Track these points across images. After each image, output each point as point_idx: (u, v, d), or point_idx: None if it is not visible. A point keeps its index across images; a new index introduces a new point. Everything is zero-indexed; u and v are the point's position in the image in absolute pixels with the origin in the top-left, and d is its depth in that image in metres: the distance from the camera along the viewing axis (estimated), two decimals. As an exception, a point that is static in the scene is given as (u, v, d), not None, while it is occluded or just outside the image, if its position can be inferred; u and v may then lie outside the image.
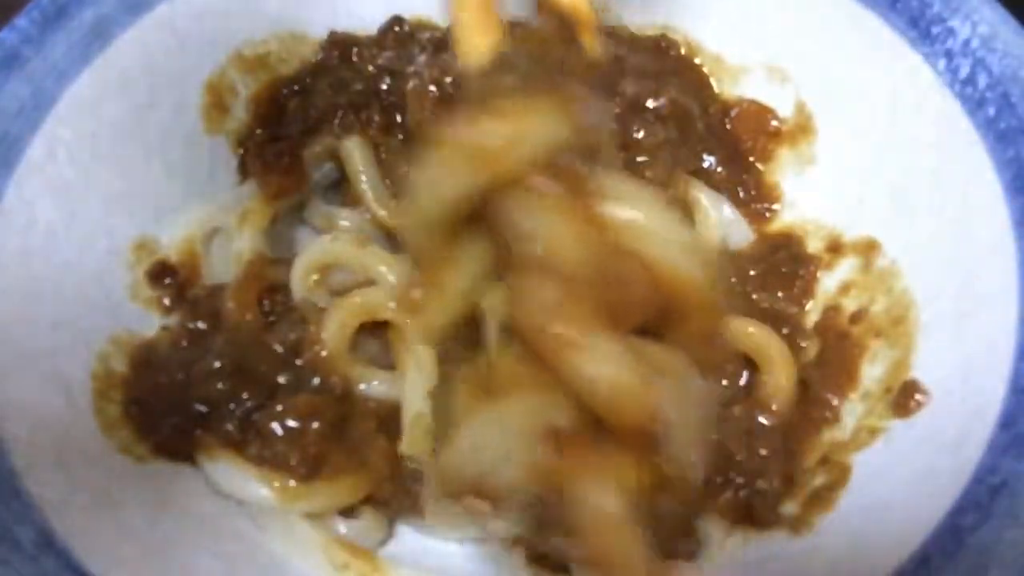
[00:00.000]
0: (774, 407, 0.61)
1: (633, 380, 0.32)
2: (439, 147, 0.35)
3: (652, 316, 0.34)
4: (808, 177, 0.73)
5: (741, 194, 0.74)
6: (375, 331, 0.65)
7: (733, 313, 0.64)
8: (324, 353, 0.62)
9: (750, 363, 0.63)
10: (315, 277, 0.66)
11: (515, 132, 0.34)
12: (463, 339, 0.42)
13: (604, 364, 0.32)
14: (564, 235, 0.33)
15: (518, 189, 0.34)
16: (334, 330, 0.63)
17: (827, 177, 0.71)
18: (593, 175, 0.34)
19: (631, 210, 0.33)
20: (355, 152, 0.71)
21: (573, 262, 0.32)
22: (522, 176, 0.34)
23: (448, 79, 0.70)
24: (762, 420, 0.60)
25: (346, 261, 0.66)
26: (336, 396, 0.61)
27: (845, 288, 0.67)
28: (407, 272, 0.64)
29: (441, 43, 0.76)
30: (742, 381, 0.63)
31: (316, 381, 0.62)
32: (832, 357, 0.63)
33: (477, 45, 0.45)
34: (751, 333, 0.62)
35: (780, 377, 0.61)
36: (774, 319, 0.65)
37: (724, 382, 0.63)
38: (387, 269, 0.65)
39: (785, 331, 0.64)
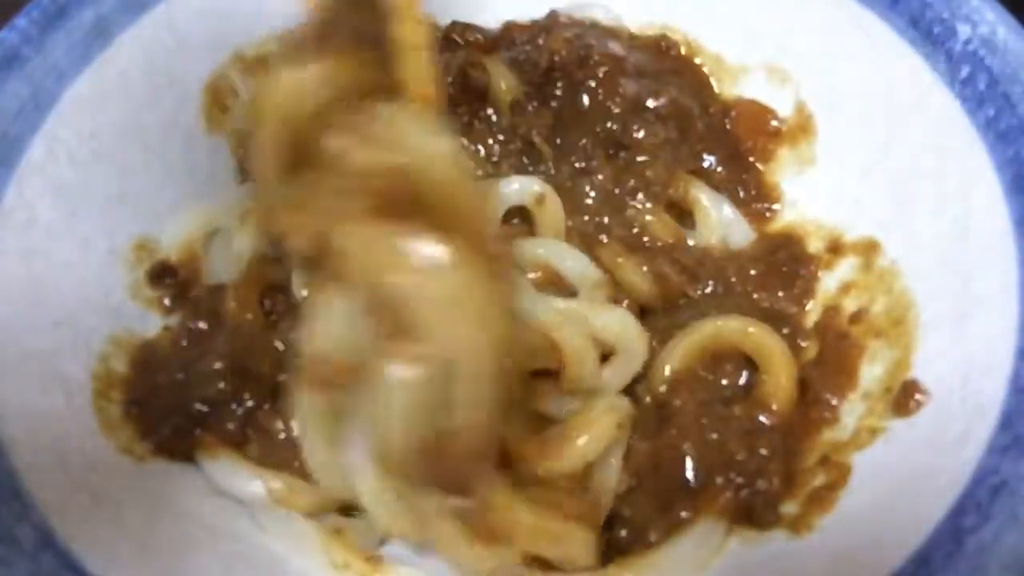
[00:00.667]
0: (774, 407, 0.61)
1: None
2: (251, 111, 0.47)
3: (423, 210, 0.45)
4: (808, 177, 0.73)
5: (741, 194, 0.74)
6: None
7: (734, 312, 0.64)
8: None
9: (750, 363, 0.63)
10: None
11: (297, 84, 0.46)
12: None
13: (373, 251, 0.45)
14: (354, 149, 0.45)
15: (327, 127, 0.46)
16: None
17: (827, 177, 0.71)
18: (372, 109, 0.47)
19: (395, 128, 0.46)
20: (355, 152, 0.71)
21: (363, 169, 0.45)
22: (321, 115, 0.46)
23: (448, 79, 0.70)
24: (762, 420, 0.60)
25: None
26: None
27: (845, 288, 0.67)
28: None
29: (441, 43, 0.76)
30: (742, 381, 0.63)
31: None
32: (832, 357, 0.63)
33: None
34: (751, 333, 0.62)
35: (780, 376, 0.61)
36: (774, 319, 0.65)
37: (724, 381, 0.63)
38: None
39: (785, 331, 0.64)
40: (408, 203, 0.44)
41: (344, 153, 0.46)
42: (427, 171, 0.45)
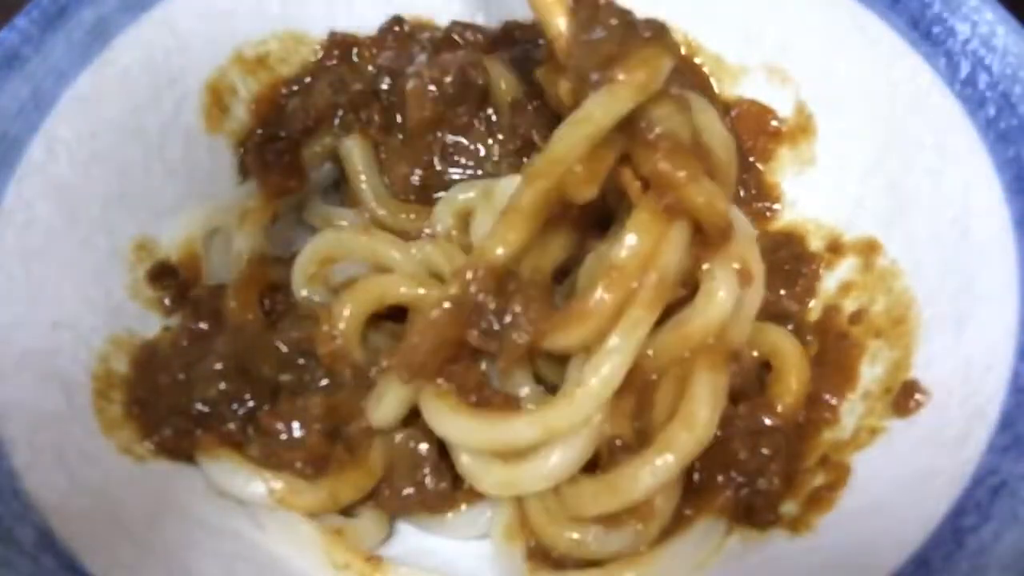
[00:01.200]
0: (779, 408, 0.60)
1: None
2: (614, 87, 0.55)
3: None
4: (808, 177, 0.73)
5: (741, 193, 0.74)
6: (379, 325, 0.65)
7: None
8: (339, 341, 0.62)
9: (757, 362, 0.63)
10: (312, 269, 0.66)
11: (656, 70, 0.56)
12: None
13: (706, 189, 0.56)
14: (680, 121, 0.57)
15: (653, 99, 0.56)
16: (348, 317, 0.62)
17: (827, 177, 0.71)
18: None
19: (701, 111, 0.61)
20: (355, 152, 0.72)
21: (683, 136, 0.56)
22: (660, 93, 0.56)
23: (448, 79, 0.70)
24: (765, 420, 0.60)
25: (354, 249, 0.66)
26: (349, 388, 0.61)
27: (845, 288, 0.67)
28: (416, 259, 0.65)
29: (441, 43, 0.76)
30: (750, 380, 0.63)
31: (324, 382, 0.62)
32: (832, 357, 0.63)
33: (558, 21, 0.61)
34: (768, 334, 0.62)
35: (791, 380, 0.61)
36: (777, 317, 0.65)
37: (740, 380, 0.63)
38: (398, 253, 0.65)
39: (788, 328, 0.64)
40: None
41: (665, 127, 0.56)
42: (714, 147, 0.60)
